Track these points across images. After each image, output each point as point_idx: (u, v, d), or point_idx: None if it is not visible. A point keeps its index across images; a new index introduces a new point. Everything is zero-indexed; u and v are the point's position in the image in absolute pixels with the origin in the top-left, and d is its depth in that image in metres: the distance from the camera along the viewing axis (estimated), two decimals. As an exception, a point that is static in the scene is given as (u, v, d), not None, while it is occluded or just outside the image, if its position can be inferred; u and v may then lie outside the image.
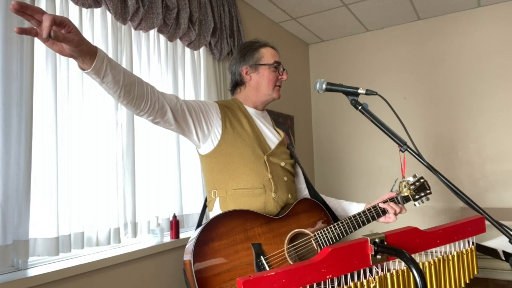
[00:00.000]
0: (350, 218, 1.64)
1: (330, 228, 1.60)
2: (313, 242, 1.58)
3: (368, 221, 1.68)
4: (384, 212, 1.68)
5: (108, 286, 2.16)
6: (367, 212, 1.67)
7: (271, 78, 1.75)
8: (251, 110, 1.79)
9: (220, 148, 1.64)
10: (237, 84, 1.80)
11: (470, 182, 4.01)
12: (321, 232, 1.59)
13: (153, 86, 1.44)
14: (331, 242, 1.59)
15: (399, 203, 1.70)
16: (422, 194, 1.75)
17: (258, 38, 1.85)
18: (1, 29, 1.79)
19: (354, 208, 1.82)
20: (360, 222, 1.65)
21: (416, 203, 1.76)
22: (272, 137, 1.78)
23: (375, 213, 1.68)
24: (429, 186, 1.77)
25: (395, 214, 1.67)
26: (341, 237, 1.61)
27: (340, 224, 1.62)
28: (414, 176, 1.77)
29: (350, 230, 1.63)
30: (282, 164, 1.73)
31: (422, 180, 1.77)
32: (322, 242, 1.58)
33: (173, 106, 1.50)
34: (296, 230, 1.57)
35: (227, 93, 3.31)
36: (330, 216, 1.71)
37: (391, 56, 4.54)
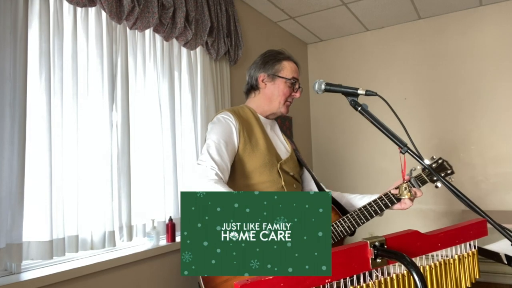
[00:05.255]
0: (360, 209, 1.63)
1: (339, 221, 1.62)
2: None
3: (381, 210, 1.64)
4: (399, 198, 1.63)
5: (103, 290, 2.13)
6: (378, 200, 1.63)
7: (285, 92, 1.78)
8: (262, 119, 1.83)
9: (238, 158, 1.68)
10: (252, 88, 1.84)
11: (471, 184, 3.98)
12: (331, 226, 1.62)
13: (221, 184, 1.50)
14: (342, 236, 1.62)
15: (413, 186, 1.62)
16: (443, 174, 1.65)
17: (284, 50, 1.87)
18: (-6, 28, 1.77)
19: (367, 200, 1.77)
20: (372, 212, 1.62)
21: (438, 183, 1.64)
22: (282, 148, 1.84)
23: (388, 200, 1.63)
24: (450, 166, 1.67)
25: (411, 198, 1.61)
26: (352, 229, 1.63)
27: (350, 217, 1.62)
28: (432, 158, 1.70)
29: (362, 221, 1.62)
30: (292, 173, 1.78)
31: (440, 161, 1.68)
32: (332, 237, 1.61)
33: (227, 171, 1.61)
34: None
35: (224, 93, 3.29)
36: (339, 211, 1.72)
37: (391, 56, 4.52)
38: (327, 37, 4.86)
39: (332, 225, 1.61)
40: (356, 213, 1.63)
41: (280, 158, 1.76)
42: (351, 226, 1.62)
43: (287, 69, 1.79)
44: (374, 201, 1.64)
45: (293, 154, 1.85)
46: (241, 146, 1.67)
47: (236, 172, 1.67)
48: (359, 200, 1.81)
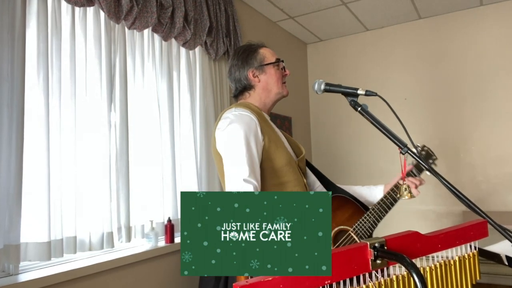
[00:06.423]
0: (379, 203, 1.69)
1: (365, 217, 1.67)
2: (354, 235, 1.64)
3: (395, 201, 1.71)
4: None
5: (101, 291, 2.12)
6: (391, 192, 1.71)
7: (278, 76, 1.77)
8: (266, 116, 1.78)
9: (265, 156, 1.61)
10: (244, 89, 1.78)
11: (472, 185, 3.96)
12: (359, 224, 1.66)
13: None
14: (371, 231, 1.67)
15: (415, 176, 1.73)
16: (431, 161, 1.78)
17: (251, 41, 1.85)
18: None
19: (374, 191, 1.86)
20: (389, 204, 1.70)
21: (427, 172, 1.78)
22: (287, 144, 1.79)
23: (395, 194, 1.72)
24: (433, 152, 1.81)
25: (416, 188, 1.69)
26: (377, 223, 1.69)
27: (373, 211, 1.68)
28: (417, 146, 1.77)
29: (383, 214, 1.69)
30: (303, 171, 1.77)
31: (426, 148, 1.80)
32: (362, 234, 1.65)
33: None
34: (336, 229, 1.64)
35: (223, 94, 3.28)
36: (361, 206, 1.76)
37: (391, 56, 4.51)
38: (327, 37, 4.85)
39: (361, 222, 1.67)
40: (376, 207, 1.70)
41: (294, 156, 1.73)
42: (375, 220, 1.68)
43: (267, 54, 1.77)
44: (388, 193, 1.72)
45: (303, 151, 1.82)
46: (266, 143, 1.60)
47: (264, 171, 1.60)
48: (367, 191, 1.87)
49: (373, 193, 1.84)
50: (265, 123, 1.68)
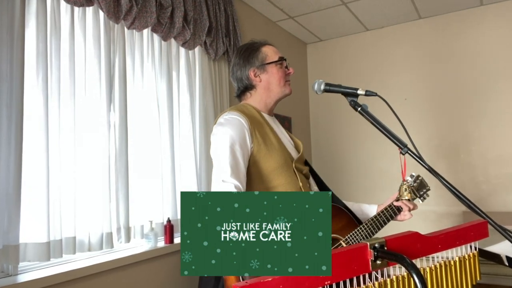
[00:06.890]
0: (372, 219, 1.68)
1: (358, 230, 1.65)
2: (344, 245, 1.60)
3: (388, 220, 1.72)
4: (399, 210, 1.73)
5: (100, 292, 2.12)
6: (385, 211, 1.71)
7: (281, 74, 1.74)
8: (266, 116, 1.75)
9: (253, 160, 1.59)
10: (246, 89, 1.76)
11: (472, 186, 3.96)
12: (352, 235, 1.63)
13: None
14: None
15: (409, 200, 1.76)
16: (424, 190, 1.82)
17: (254, 39, 1.83)
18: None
19: (367, 209, 1.85)
20: (382, 222, 1.69)
21: (420, 200, 1.82)
22: (290, 145, 1.77)
23: (392, 212, 1.72)
24: (426, 183, 1.85)
25: (409, 211, 1.73)
26: (368, 238, 1.66)
27: (366, 226, 1.66)
28: (411, 175, 1.82)
29: (375, 230, 1.67)
30: (304, 171, 1.73)
31: (420, 178, 1.83)
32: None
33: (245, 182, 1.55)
34: None
35: (222, 94, 3.28)
36: (354, 219, 1.74)
37: (392, 56, 4.50)
38: (327, 37, 4.85)
39: (354, 234, 1.65)
40: (369, 222, 1.68)
41: (292, 157, 1.69)
42: (367, 235, 1.66)
43: (269, 53, 1.74)
44: (382, 212, 1.71)
45: (302, 150, 1.79)
46: (255, 147, 1.58)
47: (252, 176, 1.58)
48: (360, 208, 1.86)
49: (364, 211, 1.84)
50: (260, 126, 1.66)
